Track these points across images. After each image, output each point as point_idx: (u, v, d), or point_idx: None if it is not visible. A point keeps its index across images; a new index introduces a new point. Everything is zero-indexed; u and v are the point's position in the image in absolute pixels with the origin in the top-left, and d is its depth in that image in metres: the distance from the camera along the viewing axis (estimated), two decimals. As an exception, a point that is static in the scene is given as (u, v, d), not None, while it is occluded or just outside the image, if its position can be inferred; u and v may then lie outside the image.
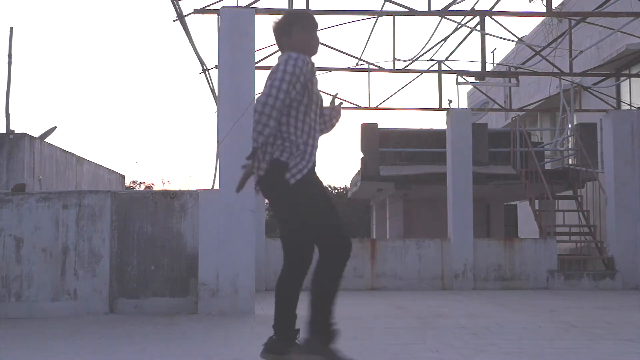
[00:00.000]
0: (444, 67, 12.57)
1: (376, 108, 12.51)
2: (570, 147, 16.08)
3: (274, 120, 3.84)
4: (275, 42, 4.26)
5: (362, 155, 15.61)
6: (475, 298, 9.68)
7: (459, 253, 11.70)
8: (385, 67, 12.09)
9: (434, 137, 15.15)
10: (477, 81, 13.06)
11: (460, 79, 12.17)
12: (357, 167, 18.00)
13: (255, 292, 7.40)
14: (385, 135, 15.68)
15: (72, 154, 13.36)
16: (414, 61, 12.20)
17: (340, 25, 10.73)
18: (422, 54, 12.21)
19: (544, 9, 9.74)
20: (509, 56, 20.25)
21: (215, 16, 8.07)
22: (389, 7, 9.58)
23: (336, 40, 63.98)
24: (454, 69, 12.52)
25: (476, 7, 10.32)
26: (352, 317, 6.94)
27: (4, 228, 7.23)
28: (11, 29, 12.95)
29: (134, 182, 39.81)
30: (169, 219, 7.38)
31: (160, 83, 67.71)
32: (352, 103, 12.46)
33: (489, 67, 14.96)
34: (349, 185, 22.26)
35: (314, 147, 4.05)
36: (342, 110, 4.39)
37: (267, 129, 3.84)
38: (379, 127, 15.49)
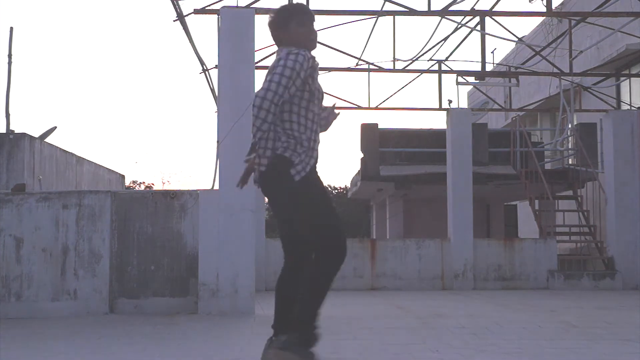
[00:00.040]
0: (444, 67, 12.58)
1: (376, 108, 12.52)
2: (570, 147, 16.08)
3: (273, 115, 3.82)
4: (272, 39, 4.22)
5: (362, 155, 15.61)
6: (475, 298, 9.68)
7: (459, 253, 11.70)
8: (385, 67, 12.09)
9: (434, 137, 15.15)
10: (477, 81, 13.06)
11: (460, 79, 12.17)
12: (357, 167, 18.02)
13: (255, 292, 7.40)
14: (385, 135, 15.68)
15: (72, 154, 13.36)
16: (414, 61, 12.20)
17: (340, 25, 10.74)
18: (422, 54, 12.22)
19: (544, 9, 9.74)
20: (509, 56, 20.25)
21: (215, 16, 8.07)
22: (389, 7, 9.58)
23: (336, 40, 63.97)
24: (454, 69, 12.52)
25: (476, 7, 10.32)
26: (352, 317, 6.94)
27: (4, 228, 7.23)
28: (11, 29, 12.96)
29: (134, 182, 39.82)
30: (169, 219, 7.37)
31: (160, 83, 67.71)
32: (352, 103, 12.46)
33: (489, 67, 14.96)
34: (349, 185, 22.27)
35: (317, 142, 4.04)
36: (339, 111, 4.37)
37: (265, 124, 3.82)
38: (379, 127, 15.49)
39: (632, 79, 14.87)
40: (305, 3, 9.16)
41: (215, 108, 9.80)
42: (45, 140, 12.55)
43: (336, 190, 44.15)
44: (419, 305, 8.38)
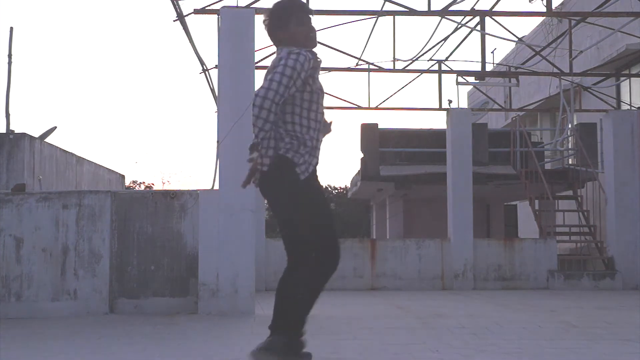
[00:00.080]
0: (444, 67, 12.58)
1: (376, 108, 12.52)
2: (570, 147, 16.08)
3: (274, 114, 3.79)
4: (271, 40, 4.15)
5: (362, 155, 15.61)
6: (475, 298, 9.68)
7: (459, 253, 11.70)
8: (385, 67, 12.09)
9: (434, 137, 15.15)
10: (477, 81, 13.06)
11: (460, 79, 12.17)
12: (357, 167, 18.01)
13: (255, 292, 7.40)
14: (385, 135, 15.68)
15: (72, 154, 13.35)
16: (414, 61, 12.20)
17: (340, 25, 10.75)
18: (422, 54, 12.22)
19: (544, 9, 9.74)
20: (509, 56, 20.26)
21: (215, 16, 8.07)
22: (389, 7, 9.58)
23: (336, 40, 63.98)
24: (454, 69, 12.52)
25: (476, 7, 10.32)
26: (352, 317, 6.94)
27: (4, 228, 7.23)
28: (11, 29, 12.97)
29: (134, 182, 39.83)
30: (169, 219, 7.37)
31: (160, 83, 67.71)
32: (352, 103, 12.46)
33: (489, 67, 14.96)
34: (349, 185, 22.26)
35: (320, 141, 4.02)
36: (332, 128, 4.23)
37: (267, 124, 3.78)
38: (379, 127, 15.49)
39: (632, 79, 14.87)
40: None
41: (215, 108, 9.80)
42: (45, 140, 12.55)
43: (336, 190, 44.11)
44: (419, 305, 8.37)
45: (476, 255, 11.75)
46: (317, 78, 4.01)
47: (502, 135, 16.03)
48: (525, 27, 65.49)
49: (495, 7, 10.27)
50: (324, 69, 11.79)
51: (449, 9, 9.71)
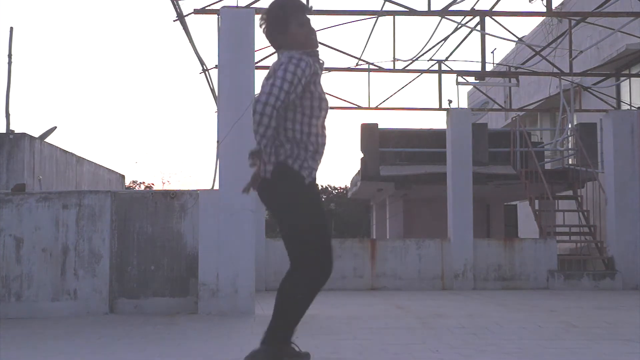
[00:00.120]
0: (444, 67, 12.58)
1: (376, 108, 12.52)
2: (570, 147, 16.08)
3: (275, 120, 3.74)
4: (270, 43, 4.07)
5: (362, 155, 15.61)
6: (475, 298, 9.68)
7: (459, 253, 11.70)
8: (385, 67, 12.09)
9: (434, 137, 15.15)
10: (477, 81, 13.06)
11: (460, 79, 12.17)
12: (357, 167, 18.02)
13: (255, 292, 7.39)
14: (385, 135, 15.68)
15: (72, 154, 13.35)
16: (414, 61, 12.20)
17: (340, 25, 10.75)
18: (422, 54, 12.22)
19: (544, 9, 9.74)
20: (509, 56, 20.26)
21: (215, 16, 8.07)
22: (389, 7, 9.58)
23: (336, 40, 63.99)
24: (454, 69, 12.52)
25: (476, 7, 10.32)
26: (352, 317, 6.94)
27: (4, 228, 7.23)
28: (11, 29, 12.95)
29: (134, 182, 39.88)
30: (169, 219, 7.37)
31: (160, 83, 67.71)
32: (352, 103, 12.46)
33: (489, 67, 14.96)
34: (349, 185, 22.26)
35: (323, 145, 3.97)
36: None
37: (269, 130, 3.72)
38: (379, 127, 15.50)
39: (632, 79, 14.88)
40: (305, 4, 9.15)
41: (215, 108, 9.80)
42: (45, 140, 12.55)
43: (336, 190, 44.12)
44: (419, 305, 8.37)
45: (476, 255, 11.75)
46: (319, 83, 3.95)
47: (502, 135, 16.03)
48: (525, 27, 65.50)
49: (495, 7, 10.27)
50: (325, 69, 11.78)
51: (449, 9, 9.72)
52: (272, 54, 10.86)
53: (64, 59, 63.82)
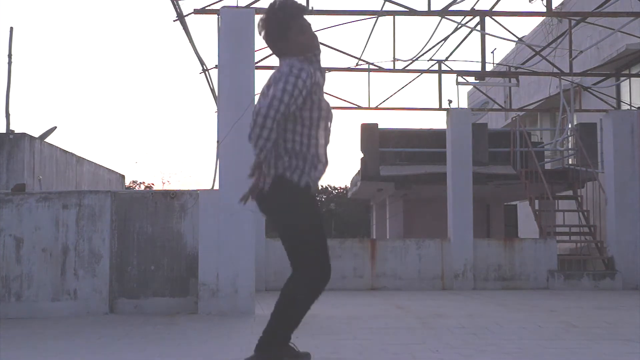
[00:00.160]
0: (444, 67, 12.58)
1: (376, 108, 12.52)
2: (570, 147, 16.08)
3: (275, 133, 3.70)
4: (271, 50, 4.00)
5: (362, 155, 15.61)
6: (475, 298, 9.68)
7: (459, 253, 11.70)
8: (385, 67, 12.09)
9: (434, 137, 15.15)
10: (477, 81, 13.06)
11: (460, 79, 12.17)
12: (357, 167, 18.02)
13: (255, 292, 7.40)
14: (385, 135, 15.68)
15: (72, 154, 13.35)
16: (414, 61, 12.20)
17: (340, 25, 10.75)
18: (422, 54, 12.22)
19: (544, 9, 9.74)
20: (509, 56, 20.26)
21: (215, 16, 8.07)
22: (389, 7, 9.58)
23: (336, 40, 63.98)
24: (454, 69, 12.52)
25: (476, 7, 10.32)
26: (352, 317, 6.94)
27: (4, 228, 7.23)
28: (11, 29, 12.95)
29: (134, 182, 39.90)
30: (169, 219, 7.37)
31: (160, 83, 67.69)
32: (352, 103, 12.46)
33: (489, 67, 14.97)
34: (349, 185, 22.26)
35: (324, 155, 3.92)
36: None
37: (269, 143, 3.69)
38: (379, 127, 15.49)
39: (632, 79, 14.87)
40: (305, 4, 9.15)
41: (215, 108, 9.80)
42: (45, 140, 12.55)
43: (336, 190, 44.09)
44: (419, 305, 8.37)
45: (476, 255, 11.75)
46: (321, 92, 3.89)
47: (502, 135, 16.03)
48: (525, 27, 65.49)
49: (495, 7, 10.27)
50: (324, 69, 11.78)
51: (449, 9, 9.72)
52: (272, 54, 10.83)
53: (64, 59, 63.83)
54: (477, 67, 12.22)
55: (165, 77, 69.21)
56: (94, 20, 64.39)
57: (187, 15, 8.94)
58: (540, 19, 17.35)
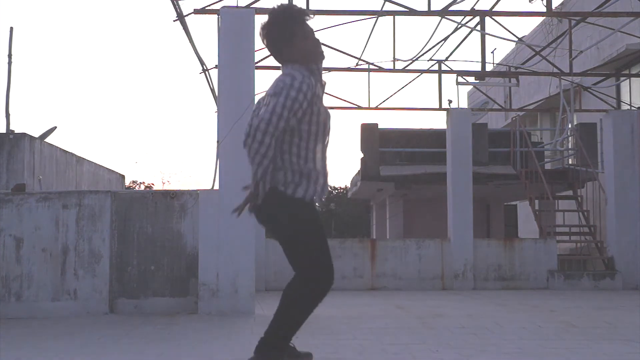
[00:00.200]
0: (444, 67, 12.58)
1: (376, 108, 12.52)
2: (570, 147, 16.08)
3: (273, 149, 3.66)
4: (273, 56, 3.93)
5: (362, 155, 15.62)
6: (475, 298, 9.68)
7: (459, 253, 11.70)
8: (385, 67, 12.09)
9: (434, 137, 15.15)
10: (477, 81, 13.06)
11: (460, 79, 12.17)
12: (357, 167, 18.02)
13: (255, 292, 7.40)
14: (385, 135, 15.69)
15: (72, 154, 13.35)
16: (414, 61, 12.20)
17: (340, 25, 10.75)
18: (422, 54, 12.22)
19: (544, 9, 9.74)
20: (509, 56, 20.26)
21: (215, 16, 8.07)
22: (389, 7, 9.58)
23: (336, 40, 64.00)
24: (454, 69, 12.52)
25: (476, 7, 10.32)
26: (352, 317, 6.94)
27: (4, 228, 7.23)
28: (11, 29, 12.93)
29: (134, 182, 39.90)
30: (169, 219, 7.37)
31: (160, 83, 67.71)
32: (352, 103, 12.46)
33: (489, 67, 14.97)
34: (349, 185, 22.27)
35: (324, 168, 3.87)
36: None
37: (266, 160, 3.66)
38: (379, 127, 15.50)
39: (632, 79, 14.88)
40: (305, 4, 9.15)
41: (215, 108, 9.79)
42: (45, 140, 12.55)
43: (336, 190, 44.09)
44: (419, 305, 8.37)
45: (476, 255, 11.75)
46: (320, 104, 3.83)
47: (502, 135, 16.03)
48: (525, 27, 65.52)
49: (495, 7, 10.27)
50: (325, 69, 11.77)
51: (449, 9, 9.71)
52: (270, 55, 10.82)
53: (64, 59, 63.84)
54: (477, 67, 12.23)
55: (165, 77, 69.25)
56: (94, 21, 64.42)
57: (187, 15, 8.95)
58: (540, 19, 17.36)
